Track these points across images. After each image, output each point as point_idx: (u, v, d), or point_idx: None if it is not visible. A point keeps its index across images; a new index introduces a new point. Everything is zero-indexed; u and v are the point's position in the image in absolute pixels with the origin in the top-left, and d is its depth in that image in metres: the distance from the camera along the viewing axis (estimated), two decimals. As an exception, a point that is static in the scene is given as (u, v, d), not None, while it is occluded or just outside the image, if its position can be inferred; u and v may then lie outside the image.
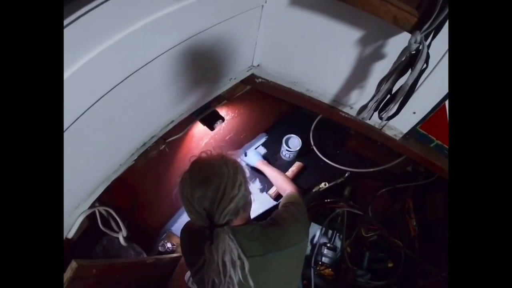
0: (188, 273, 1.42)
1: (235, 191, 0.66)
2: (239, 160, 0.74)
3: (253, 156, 1.46)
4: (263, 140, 1.69)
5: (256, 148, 1.62)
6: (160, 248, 1.50)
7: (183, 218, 1.64)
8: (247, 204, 0.73)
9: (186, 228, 0.85)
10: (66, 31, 0.48)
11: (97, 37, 0.55)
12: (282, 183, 1.18)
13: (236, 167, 0.70)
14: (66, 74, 0.53)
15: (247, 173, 0.75)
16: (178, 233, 1.59)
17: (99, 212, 0.95)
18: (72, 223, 0.87)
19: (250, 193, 0.74)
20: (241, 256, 0.65)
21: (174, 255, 1.48)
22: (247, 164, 1.49)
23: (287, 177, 1.19)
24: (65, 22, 0.48)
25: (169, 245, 1.51)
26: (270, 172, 1.30)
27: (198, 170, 0.69)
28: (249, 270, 0.67)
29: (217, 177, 0.66)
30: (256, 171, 1.51)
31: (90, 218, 0.93)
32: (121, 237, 0.99)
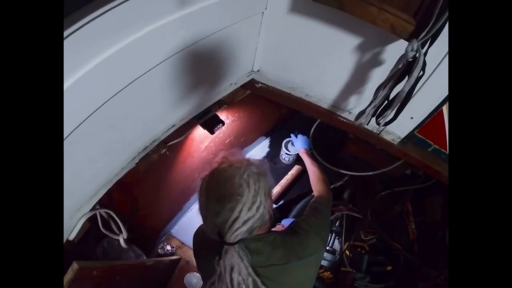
0: (187, 276, 1.43)
1: (251, 213, 0.62)
2: (265, 169, 0.68)
3: (300, 142, 1.41)
4: (265, 144, 1.70)
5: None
6: (159, 251, 1.50)
7: (183, 221, 1.65)
8: (265, 222, 0.67)
9: (201, 233, 0.80)
10: (71, 38, 0.50)
11: (102, 44, 0.56)
12: (317, 182, 1.10)
13: (259, 187, 0.63)
14: (71, 80, 0.55)
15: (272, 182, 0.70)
16: (178, 235, 1.60)
17: (100, 215, 0.95)
18: (73, 225, 0.88)
19: (270, 210, 0.68)
20: (251, 274, 0.63)
21: (174, 257, 1.49)
22: (290, 145, 1.49)
23: (324, 176, 1.12)
24: (71, 29, 0.50)
25: (168, 247, 1.52)
26: (310, 165, 1.22)
27: (216, 183, 0.64)
28: (270, 277, 0.66)
29: (234, 197, 0.61)
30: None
31: (91, 221, 0.94)
32: (121, 239, 1.00)
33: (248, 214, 0.61)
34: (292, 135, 1.49)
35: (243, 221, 0.61)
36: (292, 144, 1.52)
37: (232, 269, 0.63)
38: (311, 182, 1.14)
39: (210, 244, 0.67)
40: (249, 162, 0.66)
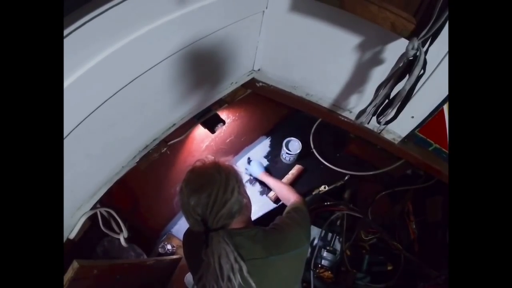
0: (188, 275, 1.43)
1: (227, 195, 0.69)
2: (233, 165, 0.76)
3: (256, 167, 1.48)
4: (266, 143, 1.70)
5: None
6: (160, 250, 1.50)
7: (183, 220, 1.63)
8: (243, 208, 0.74)
9: (188, 233, 0.87)
10: (72, 37, 0.50)
11: (102, 43, 0.56)
12: (286, 194, 1.18)
13: (229, 173, 0.72)
14: (72, 79, 0.55)
15: (243, 177, 0.77)
16: (178, 235, 1.60)
17: (101, 213, 0.96)
18: (74, 224, 0.88)
19: (245, 197, 0.75)
20: (237, 260, 0.67)
21: (174, 256, 1.49)
22: (250, 174, 1.52)
23: (290, 187, 1.22)
24: (71, 28, 0.50)
25: (169, 246, 1.52)
26: (274, 183, 1.33)
27: (192, 179, 0.72)
28: (252, 271, 0.68)
29: (209, 184, 0.69)
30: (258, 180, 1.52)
31: (92, 219, 0.94)
32: (122, 238, 1.00)
33: (225, 196, 0.68)
34: (246, 162, 1.57)
35: (222, 203, 0.68)
36: (287, 147, 1.52)
37: (220, 257, 0.65)
38: (280, 197, 1.26)
39: (197, 241, 0.71)
40: (218, 160, 0.75)
